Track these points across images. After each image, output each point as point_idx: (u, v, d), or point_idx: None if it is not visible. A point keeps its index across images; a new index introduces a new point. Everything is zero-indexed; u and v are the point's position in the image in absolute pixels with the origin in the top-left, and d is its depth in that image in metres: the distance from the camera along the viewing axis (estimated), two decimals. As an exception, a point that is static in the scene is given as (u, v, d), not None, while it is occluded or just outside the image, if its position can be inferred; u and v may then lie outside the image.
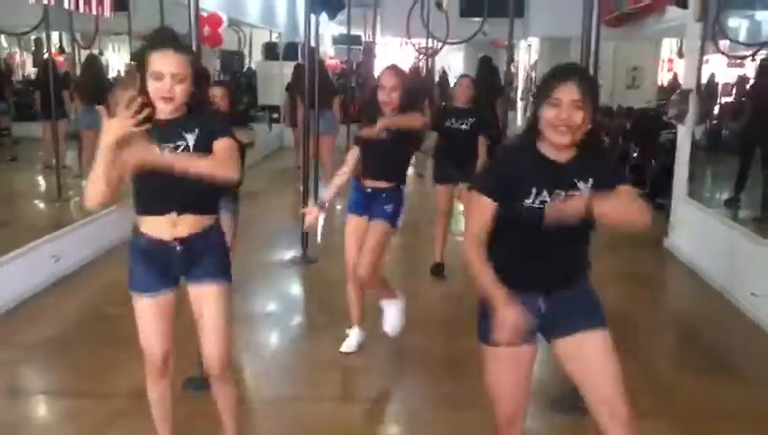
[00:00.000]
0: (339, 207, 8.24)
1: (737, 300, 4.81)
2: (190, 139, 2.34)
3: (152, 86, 2.29)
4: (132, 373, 3.65)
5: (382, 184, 3.74)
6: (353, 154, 3.82)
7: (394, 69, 3.73)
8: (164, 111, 2.33)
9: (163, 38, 2.33)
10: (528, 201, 2.06)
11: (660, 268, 6.04)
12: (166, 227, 2.41)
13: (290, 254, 5.93)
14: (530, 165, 2.10)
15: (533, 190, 2.06)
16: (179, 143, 2.33)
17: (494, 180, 2.14)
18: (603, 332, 2.17)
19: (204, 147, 2.34)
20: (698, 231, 5.81)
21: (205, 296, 2.50)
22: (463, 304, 5.06)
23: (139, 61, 2.31)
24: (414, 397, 3.64)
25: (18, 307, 4.62)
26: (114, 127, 2.23)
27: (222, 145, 2.34)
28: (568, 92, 2.01)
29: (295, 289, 5.48)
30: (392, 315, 3.95)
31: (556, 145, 2.07)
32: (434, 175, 5.56)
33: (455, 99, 5.51)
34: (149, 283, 2.49)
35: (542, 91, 2.08)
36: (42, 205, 7.47)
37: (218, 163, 2.30)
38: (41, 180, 8.46)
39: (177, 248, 2.42)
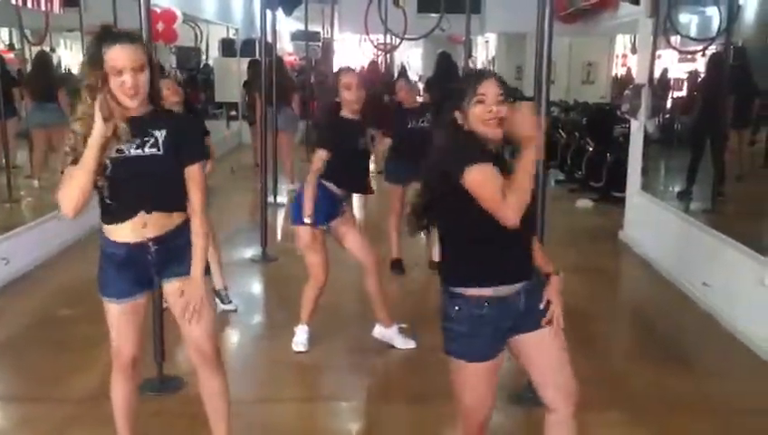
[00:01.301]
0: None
1: (690, 290, 4.92)
2: (159, 135, 2.33)
3: (115, 83, 2.24)
4: (87, 378, 3.59)
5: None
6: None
7: (351, 69, 3.90)
8: (131, 105, 2.28)
9: (113, 33, 2.29)
10: None
11: (615, 260, 6.16)
12: (137, 230, 2.37)
13: (249, 252, 5.88)
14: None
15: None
16: (146, 139, 2.31)
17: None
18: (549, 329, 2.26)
19: (172, 147, 2.33)
20: (652, 223, 5.93)
21: (184, 289, 2.45)
22: (423, 300, 5.10)
23: (96, 61, 2.25)
24: (375, 393, 3.65)
25: (-32, 311, 4.50)
26: (99, 129, 2.20)
27: (195, 172, 2.38)
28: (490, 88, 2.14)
29: (256, 288, 5.44)
30: (400, 341, 3.98)
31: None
32: (387, 174, 5.50)
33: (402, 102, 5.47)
34: (122, 289, 2.45)
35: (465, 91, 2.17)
36: (-9, 206, 7.27)
37: (200, 206, 2.40)
38: (-10, 181, 8.24)
39: (152, 249, 2.39)
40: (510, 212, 2.04)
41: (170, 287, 2.48)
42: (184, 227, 2.44)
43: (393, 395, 3.57)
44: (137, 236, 2.37)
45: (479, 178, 2.07)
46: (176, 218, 2.43)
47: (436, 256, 5.25)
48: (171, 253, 2.43)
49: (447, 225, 2.23)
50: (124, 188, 2.33)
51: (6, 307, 4.63)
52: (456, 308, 2.19)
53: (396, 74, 14.16)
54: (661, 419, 3.33)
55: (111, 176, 2.29)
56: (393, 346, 4.00)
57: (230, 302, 4.56)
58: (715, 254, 4.69)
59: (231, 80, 12.30)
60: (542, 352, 2.26)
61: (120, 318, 2.48)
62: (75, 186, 2.24)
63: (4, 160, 6.89)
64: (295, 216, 3.79)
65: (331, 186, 3.79)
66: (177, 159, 2.35)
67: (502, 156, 2.22)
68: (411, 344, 3.98)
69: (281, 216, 7.49)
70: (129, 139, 2.27)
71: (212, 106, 13.10)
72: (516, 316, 2.21)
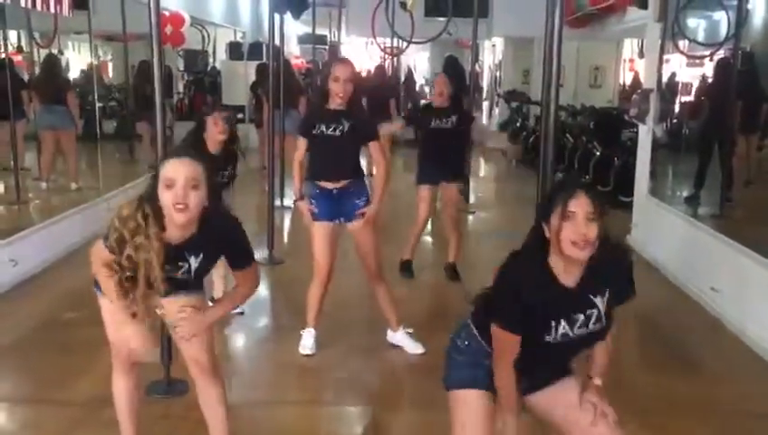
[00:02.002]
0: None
1: (697, 295, 4.90)
2: (194, 262, 2.31)
3: (164, 196, 2.16)
4: (92, 381, 3.59)
5: (345, 182, 3.77)
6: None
7: (348, 62, 3.82)
8: (177, 223, 2.19)
9: (176, 150, 2.47)
10: (549, 337, 2.02)
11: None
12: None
13: (256, 255, 5.85)
14: (546, 295, 2.00)
15: (552, 324, 2.01)
16: (181, 264, 2.30)
17: (518, 318, 2.01)
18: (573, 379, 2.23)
19: (204, 269, 2.36)
20: (660, 228, 5.91)
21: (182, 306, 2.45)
22: (431, 303, 5.10)
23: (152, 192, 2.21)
24: (381, 399, 3.64)
25: (-25, 313, 4.51)
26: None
27: (246, 272, 2.44)
28: (582, 205, 1.93)
29: (261, 290, 5.43)
30: (411, 346, 3.98)
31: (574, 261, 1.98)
32: (417, 176, 5.42)
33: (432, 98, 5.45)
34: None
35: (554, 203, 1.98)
36: (0, 208, 7.29)
37: (246, 289, 2.50)
38: (-1, 182, 8.28)
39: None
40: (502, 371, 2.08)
41: (172, 303, 2.43)
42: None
43: (398, 401, 3.56)
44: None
45: (497, 342, 2.07)
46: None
47: (451, 257, 5.33)
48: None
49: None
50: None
51: (14, 309, 4.64)
52: (466, 343, 2.19)
53: (402, 78, 14.24)
54: (668, 423, 3.31)
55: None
56: (399, 351, 3.99)
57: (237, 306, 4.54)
58: (723, 259, 4.67)
59: (238, 83, 12.34)
60: (563, 405, 2.20)
61: (117, 313, 2.45)
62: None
63: (12, 162, 6.92)
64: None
65: (320, 183, 3.80)
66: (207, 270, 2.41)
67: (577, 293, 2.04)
68: (419, 350, 3.96)
69: (288, 218, 7.49)
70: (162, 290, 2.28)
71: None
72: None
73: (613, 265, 2.08)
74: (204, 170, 2.22)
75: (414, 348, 3.97)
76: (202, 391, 2.64)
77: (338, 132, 3.70)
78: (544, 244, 1.99)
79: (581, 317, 2.01)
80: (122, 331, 2.33)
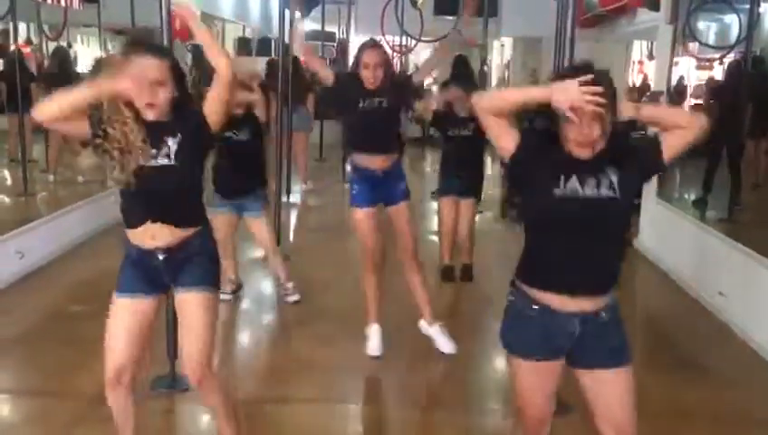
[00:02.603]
0: (312, 203, 8.22)
1: (705, 300, 4.87)
2: (172, 144, 2.33)
3: (134, 93, 2.27)
4: (97, 374, 3.58)
5: (389, 160, 3.73)
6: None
7: (376, 46, 3.67)
8: (147, 117, 2.32)
9: (141, 44, 2.37)
10: (558, 190, 2.03)
11: (630, 268, 6.09)
12: (146, 238, 2.40)
13: (259, 252, 5.86)
14: (554, 153, 2.07)
15: (561, 178, 2.04)
16: (161, 147, 2.33)
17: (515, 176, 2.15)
18: (627, 370, 2.21)
19: (186, 151, 2.34)
20: (667, 232, 5.88)
21: (186, 304, 2.46)
22: (443, 303, 5.08)
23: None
24: (391, 397, 3.63)
25: (-19, 304, 4.52)
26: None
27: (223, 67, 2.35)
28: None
29: (267, 287, 5.44)
30: (444, 342, 3.93)
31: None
32: (438, 187, 5.45)
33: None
34: (131, 285, 2.46)
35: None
36: (7, 199, 7.30)
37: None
38: (6, 174, 8.29)
39: (161, 257, 2.41)
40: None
41: (179, 297, 2.48)
42: (193, 240, 2.44)
43: (406, 400, 3.55)
44: (145, 243, 2.40)
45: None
46: (183, 233, 2.42)
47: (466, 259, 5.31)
48: (181, 263, 2.42)
49: (522, 214, 2.21)
50: (133, 198, 2.37)
51: (20, 302, 4.65)
52: (512, 298, 2.19)
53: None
54: (676, 428, 3.30)
55: (125, 192, 2.36)
56: (409, 349, 3.98)
57: (228, 293, 4.60)
58: (732, 263, 4.65)
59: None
60: (607, 393, 2.20)
61: (119, 313, 2.46)
62: (52, 104, 2.33)
63: (20, 154, 6.92)
64: (350, 198, 3.82)
65: (359, 158, 3.75)
66: (192, 167, 2.37)
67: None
68: (452, 349, 3.91)
69: (294, 215, 7.49)
70: (144, 143, 2.30)
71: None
72: (573, 340, 2.14)
73: (630, 146, 2.15)
74: (169, 64, 2.32)
75: (447, 346, 3.91)
76: (205, 400, 2.64)
77: (377, 105, 3.61)
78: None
79: (593, 180, 2.03)
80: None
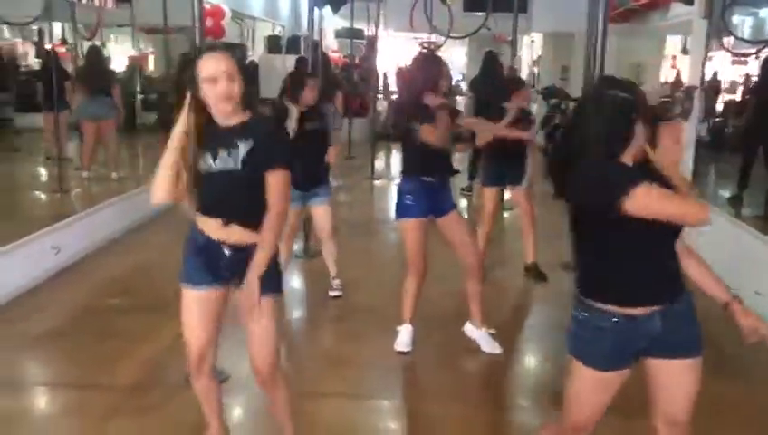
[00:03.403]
0: (341, 199, 8.24)
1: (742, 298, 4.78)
2: (242, 148, 2.34)
3: (210, 92, 2.30)
4: (132, 366, 3.66)
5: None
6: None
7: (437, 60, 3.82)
8: (225, 112, 2.34)
9: (207, 47, 2.43)
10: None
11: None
12: (216, 229, 2.42)
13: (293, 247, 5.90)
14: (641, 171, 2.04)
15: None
16: (231, 150, 2.34)
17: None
18: (697, 361, 2.20)
19: (253, 163, 2.33)
20: (703, 229, 5.78)
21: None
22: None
23: (189, 77, 2.33)
24: (419, 392, 3.63)
25: (19, 298, 4.61)
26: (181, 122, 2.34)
27: (276, 179, 2.34)
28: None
29: (297, 283, 5.47)
30: (488, 344, 3.95)
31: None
32: (482, 177, 5.50)
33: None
34: (198, 277, 2.48)
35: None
36: (43, 196, 7.46)
37: (275, 217, 2.35)
38: (42, 171, 8.45)
39: (227, 252, 2.43)
40: (701, 210, 2.03)
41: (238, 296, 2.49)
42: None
43: (435, 395, 3.55)
44: (216, 235, 2.42)
45: (657, 199, 1.97)
46: (252, 236, 2.40)
47: (530, 257, 5.30)
48: (242, 263, 2.40)
49: (582, 235, 2.15)
50: (208, 195, 2.40)
51: (56, 296, 4.74)
52: (585, 314, 2.15)
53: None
54: (711, 427, 3.24)
55: (194, 183, 2.38)
56: (436, 346, 3.97)
57: None
58: (768, 261, 4.56)
59: (276, 76, 12.39)
60: (673, 383, 2.19)
61: (192, 305, 2.50)
62: (162, 182, 2.34)
63: (56, 152, 7.05)
64: (397, 210, 3.84)
65: (422, 177, 3.80)
66: (256, 173, 2.35)
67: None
68: (497, 350, 3.93)
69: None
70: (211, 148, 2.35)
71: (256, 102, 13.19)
72: (651, 338, 2.12)
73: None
74: (236, 61, 2.36)
75: (491, 347, 3.94)
76: (268, 396, 2.72)
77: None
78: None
79: None
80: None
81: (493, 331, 4.03)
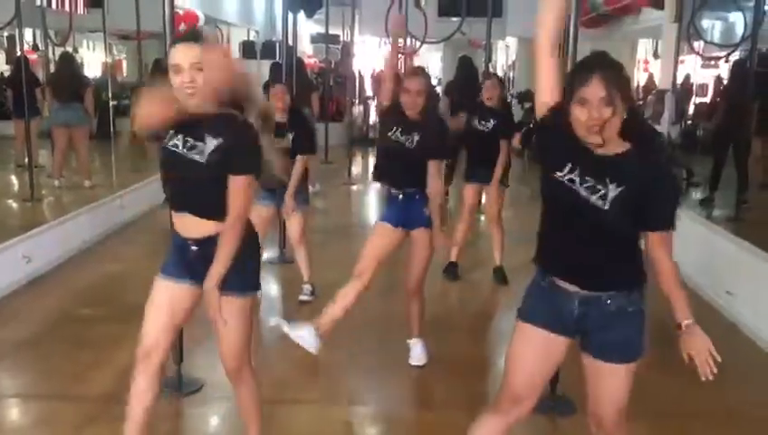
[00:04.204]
0: (318, 205, 8.22)
1: (713, 299, 4.85)
2: (210, 144, 2.27)
3: (174, 80, 2.27)
4: (105, 377, 3.61)
5: (410, 190, 3.68)
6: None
7: (418, 73, 3.71)
8: (190, 106, 2.29)
9: (182, 36, 2.41)
10: (560, 174, 2.04)
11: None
12: (182, 226, 2.42)
13: (267, 254, 5.88)
14: (570, 141, 2.03)
15: (568, 165, 2.03)
16: (197, 142, 2.29)
17: (540, 147, 2.18)
18: (624, 368, 2.22)
19: (219, 162, 2.27)
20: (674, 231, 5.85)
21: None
22: (452, 305, 5.07)
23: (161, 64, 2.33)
24: (394, 399, 3.63)
25: (-11, 309, 4.54)
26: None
27: (238, 184, 2.28)
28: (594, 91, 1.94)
29: (273, 290, 5.44)
30: (419, 352, 3.88)
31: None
32: (463, 175, 5.63)
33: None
34: (171, 269, 2.47)
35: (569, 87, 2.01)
36: (14, 204, 7.34)
37: (234, 220, 2.28)
38: (13, 179, 8.33)
39: (192, 248, 2.40)
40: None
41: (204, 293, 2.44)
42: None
43: (412, 402, 3.55)
44: (182, 231, 2.42)
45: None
46: (212, 227, 2.36)
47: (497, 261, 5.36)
48: (208, 258, 2.35)
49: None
50: (168, 181, 2.41)
51: (27, 306, 4.67)
52: (535, 273, 2.25)
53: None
54: (683, 428, 3.28)
55: (162, 162, 2.38)
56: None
57: None
58: (739, 262, 4.63)
59: (251, 82, 12.35)
60: (596, 383, 2.23)
61: (157, 293, 2.46)
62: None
63: (26, 160, 6.95)
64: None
65: (385, 185, 3.83)
66: (220, 172, 2.29)
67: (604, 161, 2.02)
68: (422, 361, 3.86)
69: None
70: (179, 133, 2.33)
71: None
72: (575, 321, 2.16)
73: (646, 169, 2.01)
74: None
75: (417, 359, 3.86)
76: (236, 392, 2.67)
77: (408, 143, 3.63)
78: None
79: (591, 181, 2.01)
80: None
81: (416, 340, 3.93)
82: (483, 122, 5.27)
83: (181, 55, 2.26)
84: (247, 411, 2.70)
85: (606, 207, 2.00)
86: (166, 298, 2.47)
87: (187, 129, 2.32)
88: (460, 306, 5.13)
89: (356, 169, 10.25)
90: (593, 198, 2.01)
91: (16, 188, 7.95)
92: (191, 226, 2.39)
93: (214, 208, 2.33)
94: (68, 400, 3.42)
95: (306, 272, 4.83)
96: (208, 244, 2.36)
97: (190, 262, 2.43)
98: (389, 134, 3.66)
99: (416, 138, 3.58)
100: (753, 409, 3.49)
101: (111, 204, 6.47)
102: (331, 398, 3.57)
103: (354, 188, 9.36)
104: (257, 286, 2.52)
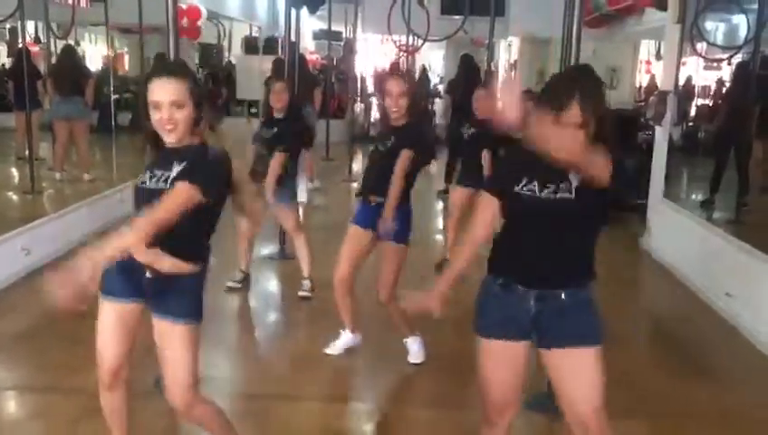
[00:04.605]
0: (316, 203, 8.23)
1: (712, 300, 4.85)
2: (175, 169, 2.25)
3: (153, 116, 2.26)
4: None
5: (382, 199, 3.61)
6: None
7: (400, 76, 3.78)
8: (168, 141, 2.30)
9: (161, 67, 2.35)
10: (518, 187, 2.12)
11: (636, 268, 6.08)
12: (141, 252, 2.26)
13: (267, 250, 5.88)
14: (525, 156, 2.04)
15: (524, 180, 2.12)
16: (166, 173, 2.27)
17: (495, 174, 2.28)
18: (592, 350, 2.18)
19: (176, 181, 2.23)
20: (674, 232, 5.86)
21: (165, 334, 2.36)
22: (450, 305, 5.06)
23: (141, 92, 2.30)
24: (393, 396, 3.63)
25: (-12, 301, 4.53)
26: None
27: (177, 190, 2.17)
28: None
29: (273, 285, 5.45)
30: (416, 350, 3.87)
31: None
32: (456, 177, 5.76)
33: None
34: (117, 289, 2.39)
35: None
36: (14, 197, 7.34)
37: (152, 216, 2.13)
38: (14, 172, 8.33)
39: (147, 274, 2.33)
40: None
41: (157, 324, 2.38)
42: (182, 275, 2.32)
43: (411, 399, 3.55)
44: (141, 257, 2.28)
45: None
46: (179, 264, 2.29)
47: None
48: (166, 288, 2.31)
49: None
50: (139, 211, 2.26)
51: (25, 298, 4.66)
52: (483, 283, 2.27)
53: (417, 75, 14.19)
54: (680, 428, 3.28)
55: (134, 201, 2.36)
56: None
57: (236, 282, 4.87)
58: (739, 264, 4.62)
59: (253, 77, 12.35)
60: (567, 380, 2.21)
61: (108, 317, 2.42)
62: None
63: (27, 152, 6.95)
64: None
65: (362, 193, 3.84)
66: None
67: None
68: (420, 359, 3.85)
69: (300, 213, 7.47)
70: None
71: (233, 103, 13.15)
72: (529, 320, 2.18)
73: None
74: (189, 86, 2.26)
75: (415, 357, 3.84)
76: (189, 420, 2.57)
77: (381, 147, 3.64)
78: None
79: (552, 186, 2.09)
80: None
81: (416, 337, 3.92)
82: (467, 128, 5.38)
83: (161, 92, 2.23)
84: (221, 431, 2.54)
85: (573, 196, 2.08)
86: (114, 320, 2.42)
87: (159, 163, 2.31)
88: (455, 303, 5.11)
89: (357, 166, 10.24)
90: (559, 195, 2.09)
91: (17, 180, 7.94)
92: (152, 256, 2.27)
93: (178, 245, 2.25)
94: (64, 393, 3.42)
95: (306, 268, 4.83)
96: (167, 278, 2.30)
97: (141, 285, 2.35)
98: (373, 143, 3.76)
99: (391, 141, 3.59)
100: (751, 410, 3.49)
101: (111, 197, 6.46)
102: (329, 394, 3.57)
103: (355, 185, 9.34)
104: (200, 316, 2.39)
